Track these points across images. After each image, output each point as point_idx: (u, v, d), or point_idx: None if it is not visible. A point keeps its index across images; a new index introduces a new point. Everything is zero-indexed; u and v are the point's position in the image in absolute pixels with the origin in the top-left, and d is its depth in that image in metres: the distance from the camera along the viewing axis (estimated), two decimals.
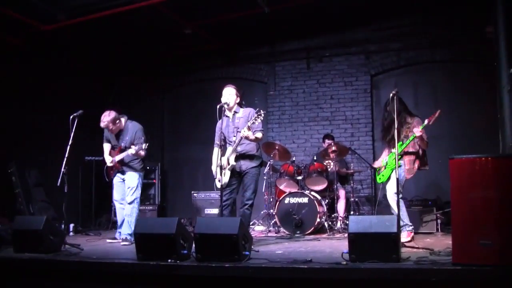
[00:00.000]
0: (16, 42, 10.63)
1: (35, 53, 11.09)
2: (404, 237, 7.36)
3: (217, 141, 7.73)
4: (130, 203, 8.58)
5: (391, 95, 7.22)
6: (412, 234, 7.66)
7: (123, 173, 8.70)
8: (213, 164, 7.88)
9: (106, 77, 12.87)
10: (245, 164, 7.71)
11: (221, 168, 7.54)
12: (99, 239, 9.31)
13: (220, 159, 7.40)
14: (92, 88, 12.18)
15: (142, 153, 8.52)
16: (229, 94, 7.85)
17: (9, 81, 10.34)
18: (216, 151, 7.80)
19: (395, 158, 7.11)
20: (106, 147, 8.92)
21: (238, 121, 7.84)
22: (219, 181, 7.61)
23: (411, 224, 7.71)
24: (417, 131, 7.45)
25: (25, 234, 6.95)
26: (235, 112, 7.93)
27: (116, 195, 8.82)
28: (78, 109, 7.91)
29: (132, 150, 8.33)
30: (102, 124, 8.57)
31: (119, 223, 8.81)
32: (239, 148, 7.70)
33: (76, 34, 10.88)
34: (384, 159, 8.12)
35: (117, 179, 8.78)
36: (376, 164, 8.38)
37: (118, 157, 8.59)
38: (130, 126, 8.78)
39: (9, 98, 10.35)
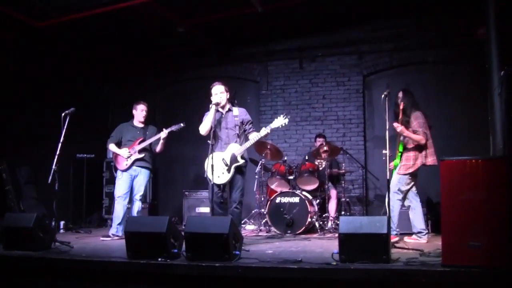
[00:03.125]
0: (9, 39, 10.59)
1: (27, 50, 11.05)
2: None
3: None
4: (140, 199, 9.03)
5: (382, 96, 7.24)
6: (396, 238, 7.63)
7: (137, 168, 9.01)
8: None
9: (98, 75, 12.83)
10: (239, 163, 7.71)
11: (226, 165, 7.62)
12: (90, 236, 9.30)
13: (212, 157, 7.34)
14: (84, 86, 12.15)
15: (162, 147, 9.07)
16: (220, 92, 7.84)
17: (0, 78, 10.29)
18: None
19: (395, 157, 7.20)
20: (113, 145, 9.15)
21: (234, 119, 7.87)
22: (218, 177, 7.61)
23: (397, 229, 7.76)
24: (396, 126, 7.52)
25: (15, 231, 6.94)
26: (229, 110, 7.93)
27: (120, 190, 8.92)
28: (70, 107, 7.89)
29: (163, 133, 8.85)
30: (143, 106, 9.34)
31: (117, 220, 8.83)
32: (243, 147, 7.74)
33: (69, 32, 10.85)
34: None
35: (126, 175, 8.95)
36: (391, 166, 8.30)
37: (141, 145, 9.01)
38: (151, 126, 9.48)
39: (0, 95, 10.30)
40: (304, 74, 12.36)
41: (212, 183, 7.30)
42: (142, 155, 8.99)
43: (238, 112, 7.92)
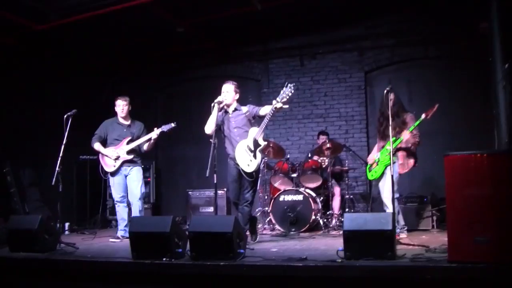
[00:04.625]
0: (9, 42, 10.59)
1: (28, 53, 11.06)
2: None
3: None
4: (140, 199, 8.73)
5: (385, 91, 7.22)
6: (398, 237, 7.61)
7: (127, 167, 8.77)
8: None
9: (99, 76, 12.82)
10: (261, 146, 7.65)
11: (251, 151, 7.61)
12: (95, 237, 9.29)
13: (215, 158, 7.29)
14: (85, 87, 12.14)
15: (150, 146, 8.87)
16: (226, 92, 7.82)
17: (2, 81, 10.29)
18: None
19: (388, 155, 7.12)
20: (98, 145, 8.89)
21: (244, 117, 7.85)
22: (248, 165, 7.60)
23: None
24: (405, 134, 7.48)
25: (20, 233, 6.99)
26: (236, 109, 7.92)
27: (117, 194, 8.79)
28: (72, 109, 7.87)
29: (155, 132, 8.62)
30: (121, 102, 8.90)
31: (123, 222, 8.79)
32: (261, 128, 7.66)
33: (69, 34, 10.85)
34: (376, 155, 8.11)
35: (118, 178, 8.78)
36: (369, 160, 8.35)
37: (130, 146, 8.74)
38: (137, 122, 9.06)
39: (3, 98, 10.31)
40: (305, 71, 12.34)
41: (215, 182, 7.30)
42: (130, 157, 8.76)
43: (247, 109, 7.90)
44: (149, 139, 8.71)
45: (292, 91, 7.33)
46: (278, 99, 7.31)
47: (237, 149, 7.64)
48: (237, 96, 7.91)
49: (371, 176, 8.09)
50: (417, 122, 7.50)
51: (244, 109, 7.90)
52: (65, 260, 6.46)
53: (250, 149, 7.60)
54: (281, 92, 7.33)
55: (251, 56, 12.84)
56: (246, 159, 7.59)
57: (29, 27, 10.23)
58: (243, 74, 12.90)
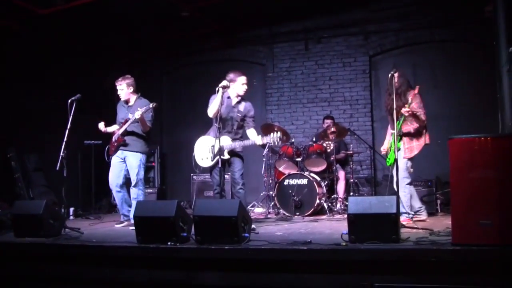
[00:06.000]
0: (14, 26, 10.57)
1: (32, 37, 11.04)
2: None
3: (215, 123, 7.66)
4: (134, 186, 8.49)
5: (389, 75, 7.20)
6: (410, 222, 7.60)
7: (123, 151, 8.56)
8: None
9: (104, 60, 12.80)
10: (223, 157, 7.63)
11: (212, 152, 7.71)
12: (100, 222, 9.32)
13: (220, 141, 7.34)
14: (90, 72, 12.13)
15: (148, 124, 8.48)
16: (242, 84, 7.86)
17: (7, 66, 10.31)
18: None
19: (394, 139, 7.12)
20: (114, 127, 8.83)
21: (239, 112, 7.91)
22: (202, 159, 7.83)
23: (410, 211, 7.71)
24: (404, 111, 7.42)
25: (25, 218, 6.99)
26: (239, 102, 7.95)
27: (112, 178, 8.58)
28: (76, 93, 7.86)
29: (137, 114, 8.12)
30: (118, 87, 8.66)
31: (121, 208, 8.70)
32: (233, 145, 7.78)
33: (73, 18, 10.79)
34: (388, 140, 8.07)
35: (116, 159, 8.59)
36: (383, 150, 8.29)
37: (122, 129, 8.48)
38: (139, 102, 8.67)
39: (8, 83, 10.33)
40: (310, 55, 12.33)
41: (219, 166, 7.31)
42: (123, 140, 8.50)
43: (243, 108, 7.94)
44: (136, 120, 8.33)
45: (278, 143, 7.62)
46: (264, 139, 7.64)
47: (202, 140, 7.86)
48: (243, 88, 7.92)
49: (387, 162, 8.03)
50: (407, 106, 7.43)
51: (242, 106, 7.97)
52: (70, 245, 6.46)
53: (212, 151, 7.69)
54: (271, 136, 7.49)
55: (256, 40, 12.82)
56: (203, 154, 7.83)
57: (33, 11, 10.20)
58: (248, 58, 12.90)
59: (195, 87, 12.59)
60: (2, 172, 10.28)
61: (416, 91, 7.53)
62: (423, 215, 7.84)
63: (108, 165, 8.76)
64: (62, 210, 8.03)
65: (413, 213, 7.70)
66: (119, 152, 8.58)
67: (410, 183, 7.75)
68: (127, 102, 8.78)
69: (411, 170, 7.78)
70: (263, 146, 7.85)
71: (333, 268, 5.37)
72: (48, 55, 11.24)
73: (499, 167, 5.05)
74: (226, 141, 7.69)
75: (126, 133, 8.52)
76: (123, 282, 6.08)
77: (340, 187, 10.35)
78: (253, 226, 6.73)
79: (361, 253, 5.31)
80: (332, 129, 9.98)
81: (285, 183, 9.61)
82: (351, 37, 12.05)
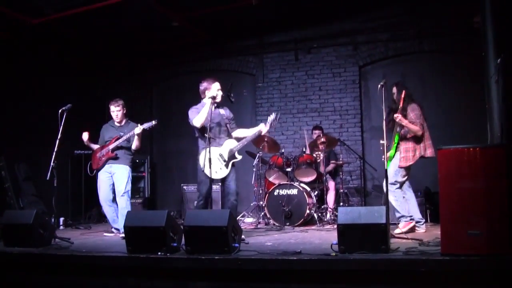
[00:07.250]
0: (4, 36, 10.57)
1: (23, 47, 11.06)
2: (400, 227, 7.48)
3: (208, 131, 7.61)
4: (122, 195, 8.57)
5: (379, 86, 7.24)
6: (412, 224, 7.70)
7: (112, 165, 8.65)
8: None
9: (94, 71, 12.81)
10: (236, 159, 7.79)
11: (224, 160, 7.68)
12: (90, 232, 9.30)
13: (210, 151, 7.31)
14: (80, 82, 12.14)
15: (138, 143, 8.63)
16: (217, 90, 7.86)
17: None
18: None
19: (393, 149, 7.24)
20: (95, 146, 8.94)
21: (224, 117, 7.94)
22: (216, 172, 7.58)
23: (410, 215, 7.78)
24: (395, 116, 7.51)
25: (15, 228, 6.98)
26: (218, 107, 7.96)
27: (103, 194, 8.69)
28: (66, 103, 7.87)
29: (138, 129, 8.38)
30: (114, 108, 8.81)
31: (112, 221, 8.75)
32: (240, 144, 7.84)
33: (64, 28, 10.85)
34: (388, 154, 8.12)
35: (104, 174, 8.69)
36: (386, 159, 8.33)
37: (113, 144, 8.61)
38: (131, 124, 8.89)
39: None
40: (300, 66, 12.36)
41: (210, 177, 7.29)
42: (114, 154, 8.64)
43: (224, 111, 8.00)
44: (133, 135, 8.54)
45: (277, 121, 7.90)
46: (267, 125, 7.80)
47: (207, 156, 7.52)
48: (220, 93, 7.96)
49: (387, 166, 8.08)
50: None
51: (222, 110, 8.02)
52: (60, 255, 6.45)
53: (223, 159, 7.68)
54: (269, 120, 7.75)
55: (246, 50, 12.84)
56: (216, 166, 7.60)
57: (24, 21, 10.21)
58: (238, 68, 12.92)
59: (185, 97, 12.53)
60: None
61: (416, 103, 7.69)
62: (422, 228, 7.89)
63: (95, 177, 8.78)
64: (52, 219, 8.03)
65: (411, 215, 7.78)
66: (107, 166, 8.70)
67: (400, 187, 7.83)
68: (119, 122, 8.90)
69: (403, 179, 7.84)
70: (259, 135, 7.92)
71: (323, 278, 5.39)
72: (39, 64, 11.24)
73: (487, 177, 5.10)
74: (232, 144, 7.78)
75: (116, 148, 8.65)
76: None
77: (330, 197, 10.36)
78: (243, 236, 6.74)
79: (351, 263, 5.33)
80: (322, 139, 10.01)
81: (275, 193, 9.61)
82: (340, 48, 12.08)
